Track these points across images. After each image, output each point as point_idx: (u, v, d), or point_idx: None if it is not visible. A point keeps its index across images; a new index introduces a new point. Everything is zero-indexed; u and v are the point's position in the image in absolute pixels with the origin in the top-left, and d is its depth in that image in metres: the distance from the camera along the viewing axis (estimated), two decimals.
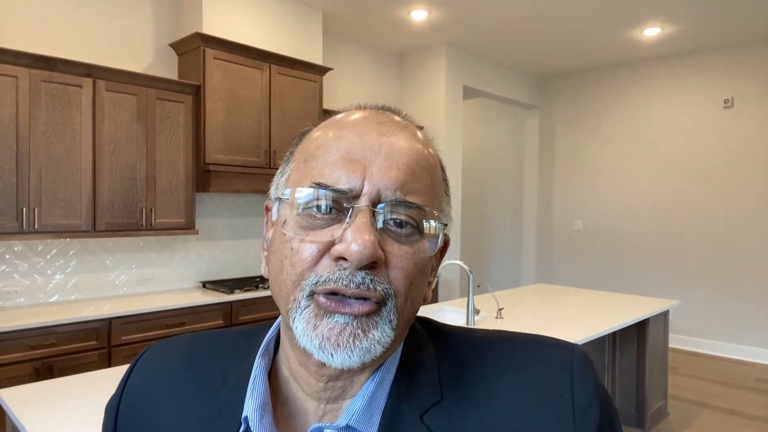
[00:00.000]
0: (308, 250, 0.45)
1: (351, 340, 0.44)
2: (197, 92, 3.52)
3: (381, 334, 0.45)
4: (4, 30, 3.04)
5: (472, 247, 6.87)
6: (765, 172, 4.86)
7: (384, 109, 0.53)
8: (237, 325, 3.18)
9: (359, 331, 0.44)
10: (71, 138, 3.02)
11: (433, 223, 0.48)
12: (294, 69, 4.00)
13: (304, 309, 0.45)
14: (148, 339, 3.09)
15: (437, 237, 0.48)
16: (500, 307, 2.96)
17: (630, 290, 5.50)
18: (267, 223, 0.55)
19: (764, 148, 4.87)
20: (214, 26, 3.58)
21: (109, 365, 2.92)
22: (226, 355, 0.57)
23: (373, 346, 0.45)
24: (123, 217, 3.23)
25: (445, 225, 0.50)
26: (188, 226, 3.54)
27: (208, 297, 3.47)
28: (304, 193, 0.47)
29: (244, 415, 0.50)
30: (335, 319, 0.44)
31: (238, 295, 3.52)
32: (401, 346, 0.52)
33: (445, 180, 0.54)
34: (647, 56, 5.46)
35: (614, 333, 3.42)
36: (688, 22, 4.47)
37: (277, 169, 0.54)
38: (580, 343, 2.53)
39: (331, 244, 0.45)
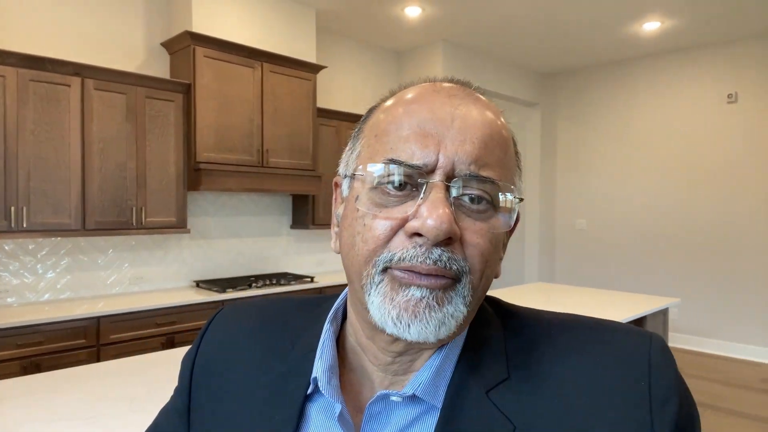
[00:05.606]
0: (381, 226, 0.45)
1: (427, 312, 0.44)
2: (188, 91, 3.51)
3: (454, 309, 0.45)
4: None
5: None
6: None
7: (453, 81, 0.52)
8: None
9: (434, 303, 0.44)
10: (60, 137, 3.02)
11: (508, 196, 0.47)
12: (287, 67, 3.98)
13: (379, 284, 0.45)
14: (138, 338, 3.08)
15: (512, 212, 0.48)
16: None
17: (636, 289, 5.40)
18: (336, 199, 0.55)
19: None
20: (205, 25, 3.58)
21: None
22: (295, 321, 0.59)
23: (447, 319, 0.45)
24: (113, 215, 3.22)
25: (521, 200, 0.49)
26: (179, 225, 3.52)
27: (200, 296, 3.45)
28: (377, 169, 0.46)
29: (313, 376, 0.52)
30: (411, 292, 0.44)
31: (230, 294, 3.49)
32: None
33: (517, 153, 0.52)
34: (649, 52, 5.37)
35: None
36: (687, 15, 4.39)
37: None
38: None
39: (405, 220, 0.45)
